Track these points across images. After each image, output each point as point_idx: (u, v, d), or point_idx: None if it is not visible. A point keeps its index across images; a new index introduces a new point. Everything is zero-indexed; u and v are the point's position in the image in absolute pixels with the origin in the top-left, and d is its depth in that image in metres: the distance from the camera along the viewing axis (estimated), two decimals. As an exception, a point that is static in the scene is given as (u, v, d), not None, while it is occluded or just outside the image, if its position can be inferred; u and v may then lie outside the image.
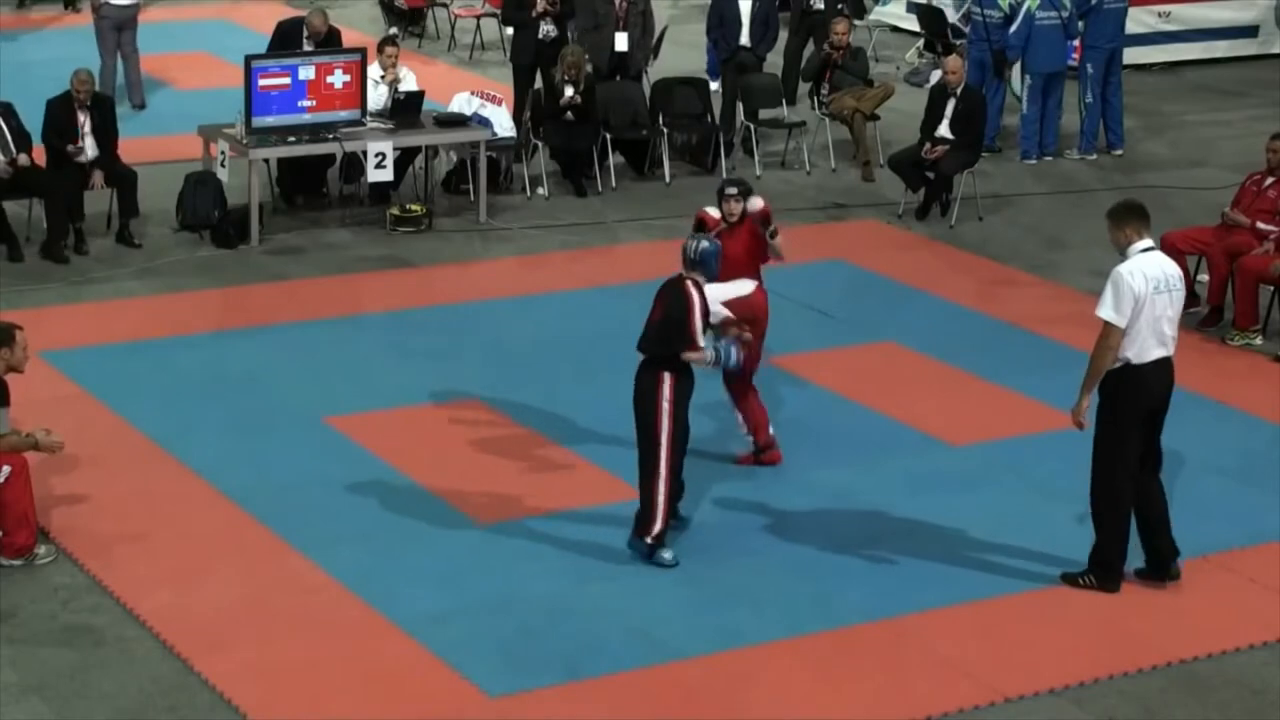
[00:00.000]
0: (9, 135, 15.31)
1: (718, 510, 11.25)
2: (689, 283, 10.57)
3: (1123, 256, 10.14)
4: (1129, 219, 10.20)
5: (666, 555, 10.48)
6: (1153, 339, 10.08)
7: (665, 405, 10.36)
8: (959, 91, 17.18)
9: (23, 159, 15.30)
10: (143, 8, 20.84)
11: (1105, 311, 10.01)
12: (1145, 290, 9.99)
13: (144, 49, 21.70)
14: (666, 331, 10.46)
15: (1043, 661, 9.73)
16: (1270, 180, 14.60)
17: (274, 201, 16.93)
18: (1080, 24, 19.26)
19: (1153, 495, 10.37)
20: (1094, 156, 19.40)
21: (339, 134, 16.19)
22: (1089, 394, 10.13)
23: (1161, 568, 10.45)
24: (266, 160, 16.50)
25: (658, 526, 10.44)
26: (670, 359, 10.42)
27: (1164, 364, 10.20)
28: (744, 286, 11.64)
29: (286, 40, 17.47)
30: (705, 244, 10.72)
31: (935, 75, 19.78)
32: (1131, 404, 10.11)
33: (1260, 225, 14.43)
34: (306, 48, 17.12)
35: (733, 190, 11.67)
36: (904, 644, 9.87)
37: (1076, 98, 19.54)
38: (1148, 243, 10.16)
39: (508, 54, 18.77)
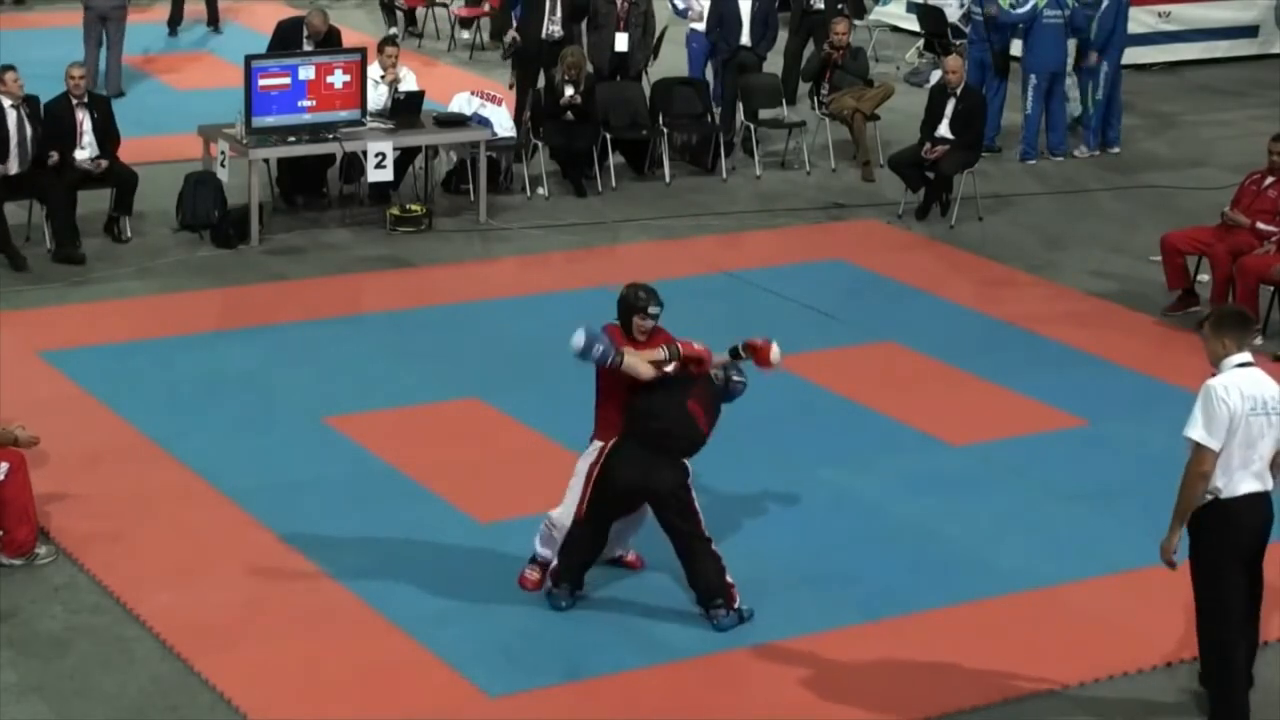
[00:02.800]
0: (29, 140, 15.30)
1: (717, 510, 11.23)
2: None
3: (1215, 370, 8.84)
4: (1229, 328, 8.87)
5: (747, 609, 9.98)
6: (1246, 471, 8.77)
7: (694, 496, 9.92)
8: (959, 91, 17.18)
9: (53, 157, 15.31)
10: (133, 6, 21.13)
11: (1195, 432, 8.69)
12: (1241, 410, 8.68)
13: (144, 49, 21.77)
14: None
15: (1043, 661, 9.72)
16: (1270, 180, 14.60)
17: (274, 201, 16.93)
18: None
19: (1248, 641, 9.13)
20: (1097, 152, 19.43)
21: (339, 134, 16.19)
22: (1179, 528, 8.84)
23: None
24: (266, 160, 16.50)
25: (737, 596, 9.95)
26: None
27: (1259, 500, 8.84)
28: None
29: (286, 40, 17.47)
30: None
31: (935, 75, 19.78)
32: (1226, 543, 8.82)
33: (1260, 225, 14.43)
34: (306, 47, 17.12)
35: (656, 310, 10.02)
36: (904, 644, 9.87)
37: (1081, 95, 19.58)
38: (1245, 357, 8.83)
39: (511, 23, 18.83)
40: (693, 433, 9.93)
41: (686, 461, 9.91)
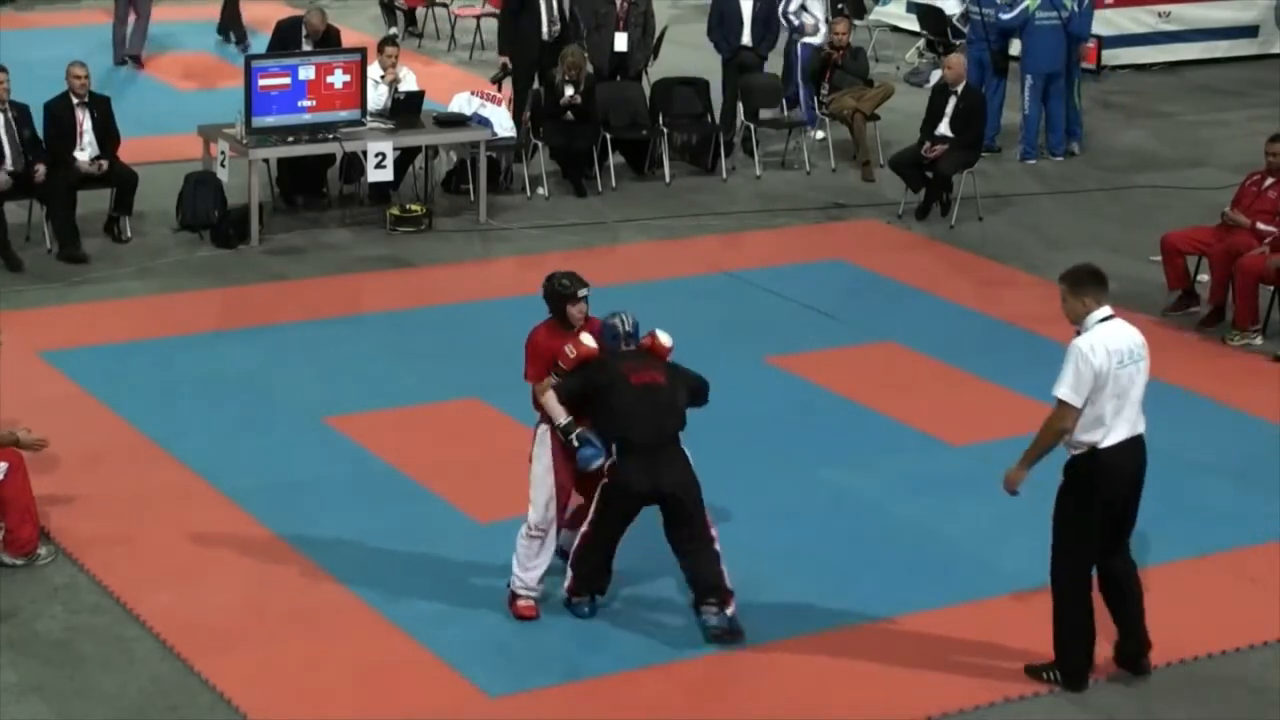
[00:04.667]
0: (20, 143, 15.30)
1: (718, 510, 11.22)
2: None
3: (1079, 328, 9.21)
4: (1088, 285, 9.23)
5: (737, 623, 9.83)
6: (1120, 419, 9.13)
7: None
8: (959, 90, 17.18)
9: (39, 171, 15.28)
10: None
11: (1061, 390, 9.07)
12: (1109, 366, 9.04)
13: (145, 50, 21.79)
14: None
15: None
16: (1270, 181, 14.60)
17: (274, 201, 16.93)
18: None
19: (1125, 581, 9.49)
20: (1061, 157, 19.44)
21: (339, 134, 16.19)
22: (1026, 470, 9.29)
23: (1131, 661, 9.58)
24: (266, 160, 16.49)
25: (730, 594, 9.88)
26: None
27: (1135, 444, 9.24)
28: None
29: (285, 39, 17.47)
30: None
31: (935, 75, 19.78)
32: (1100, 495, 9.21)
33: (1260, 225, 14.43)
34: (305, 47, 17.12)
35: (585, 292, 10.05)
36: (904, 644, 9.87)
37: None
38: (1106, 311, 9.20)
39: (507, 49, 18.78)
40: (667, 401, 9.78)
41: (685, 450, 9.81)
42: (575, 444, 9.74)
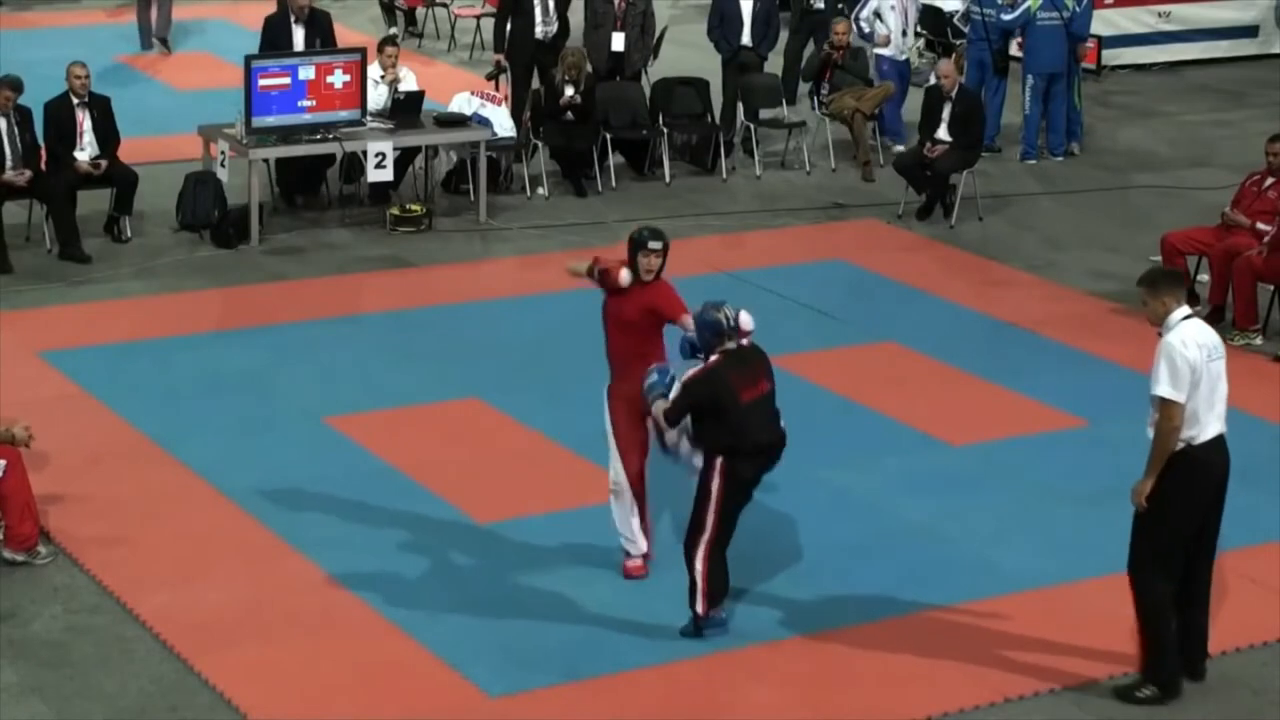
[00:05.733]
0: (21, 147, 15.31)
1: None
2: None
3: (1162, 329, 9.18)
4: (1164, 286, 9.24)
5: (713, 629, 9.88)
6: (1212, 415, 9.16)
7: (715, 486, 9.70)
8: (954, 95, 17.18)
9: (24, 174, 15.29)
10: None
11: (1162, 389, 9.02)
12: (1200, 359, 9.06)
13: (144, 50, 21.80)
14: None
15: (1043, 661, 9.72)
16: (1270, 181, 14.61)
17: (274, 201, 16.93)
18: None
19: (1200, 586, 9.47)
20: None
21: (339, 134, 16.19)
22: (1153, 478, 9.15)
23: (1190, 665, 9.52)
24: (266, 160, 16.49)
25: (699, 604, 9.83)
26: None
27: (1222, 442, 9.27)
28: None
29: (276, 32, 17.36)
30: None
31: (934, 75, 19.76)
32: (1192, 493, 9.21)
33: (1260, 226, 14.44)
34: (296, 31, 17.01)
35: (656, 244, 10.24)
36: (904, 644, 9.87)
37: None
38: (1186, 309, 9.21)
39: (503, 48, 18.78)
40: (772, 403, 9.86)
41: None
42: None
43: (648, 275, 10.23)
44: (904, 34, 19.76)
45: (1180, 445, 9.11)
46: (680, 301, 10.22)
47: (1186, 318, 9.18)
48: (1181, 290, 9.31)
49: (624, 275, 10.25)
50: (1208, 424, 9.14)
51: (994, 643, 9.91)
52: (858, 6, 19.76)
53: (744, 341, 9.81)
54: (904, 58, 19.80)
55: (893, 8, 19.55)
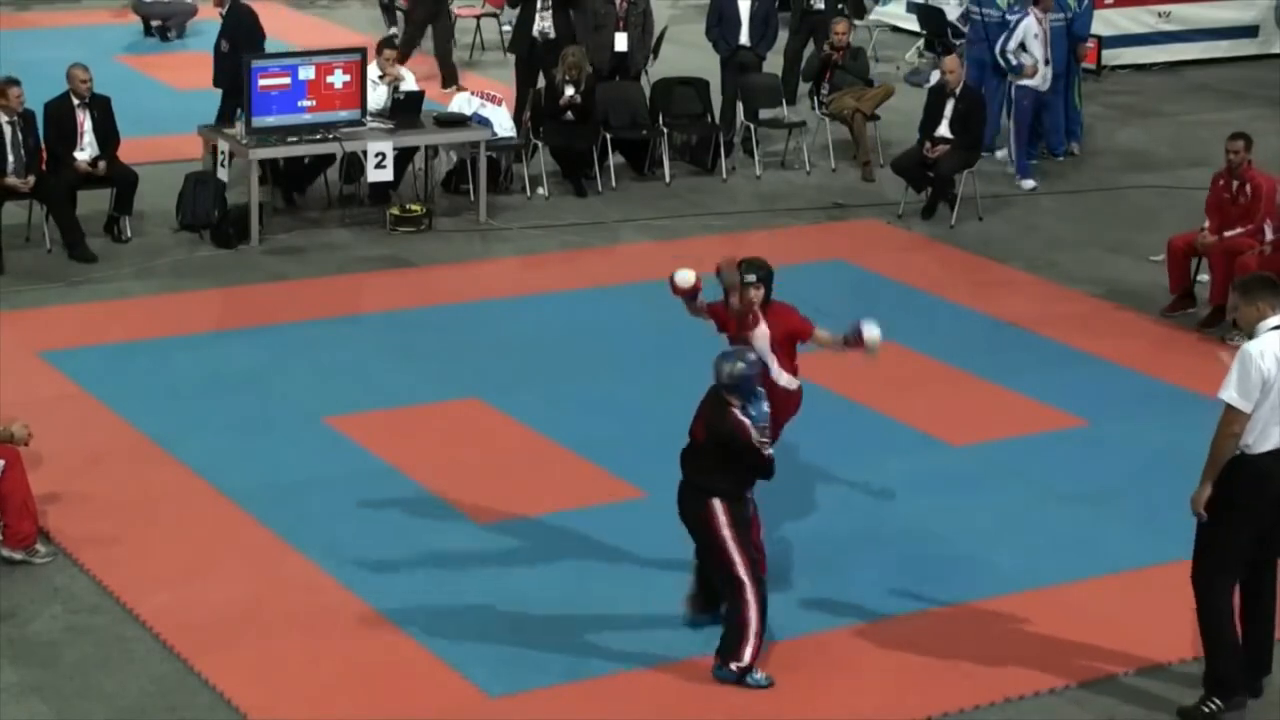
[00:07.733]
0: (24, 151, 15.30)
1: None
2: (734, 411, 9.35)
3: (1249, 335, 9.10)
4: (1260, 292, 9.12)
5: (759, 676, 9.45)
6: (1275, 426, 9.01)
7: (727, 534, 9.39)
8: (958, 91, 17.17)
9: (29, 182, 15.30)
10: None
11: (1228, 393, 8.94)
12: (1275, 373, 8.93)
13: (144, 50, 21.81)
14: (724, 463, 9.42)
15: (1043, 661, 9.72)
16: (1237, 184, 14.53)
17: (274, 201, 16.93)
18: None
19: (1264, 599, 9.37)
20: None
21: (339, 134, 16.19)
22: (1209, 484, 9.07)
23: (1249, 679, 9.40)
24: (265, 160, 16.49)
25: (747, 656, 9.48)
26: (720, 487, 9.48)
27: None
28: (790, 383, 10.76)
29: (239, 16, 17.81)
30: (741, 365, 9.38)
31: (935, 75, 19.74)
32: (1248, 502, 9.07)
33: (1227, 234, 14.39)
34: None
35: (751, 277, 10.10)
36: (904, 644, 9.87)
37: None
38: (1278, 319, 9.07)
39: (505, 46, 18.79)
40: (696, 454, 9.60)
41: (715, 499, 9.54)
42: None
43: (740, 309, 10.21)
44: (1046, 62, 18.64)
45: (1237, 451, 9.00)
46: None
47: (1276, 328, 9.03)
48: (1277, 298, 9.11)
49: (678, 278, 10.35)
50: (1269, 435, 9.01)
51: (994, 643, 9.92)
52: (1001, 39, 18.60)
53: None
54: (1046, 87, 18.70)
55: (1036, 36, 18.44)
